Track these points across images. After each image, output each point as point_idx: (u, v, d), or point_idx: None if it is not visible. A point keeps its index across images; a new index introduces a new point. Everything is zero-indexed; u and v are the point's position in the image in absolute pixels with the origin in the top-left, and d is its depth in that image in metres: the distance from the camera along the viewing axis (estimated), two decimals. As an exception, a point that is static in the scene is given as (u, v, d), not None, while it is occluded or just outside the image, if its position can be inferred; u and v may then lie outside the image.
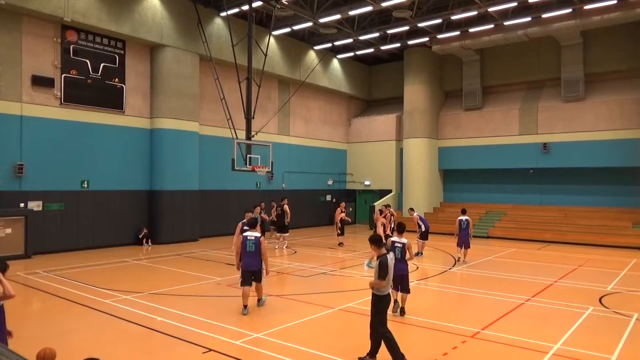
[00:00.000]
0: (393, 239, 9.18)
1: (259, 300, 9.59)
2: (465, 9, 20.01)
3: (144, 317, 8.73)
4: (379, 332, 6.44)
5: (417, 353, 7.27)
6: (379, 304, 6.51)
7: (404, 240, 9.02)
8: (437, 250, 18.45)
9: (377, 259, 6.58)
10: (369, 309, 9.51)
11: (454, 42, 23.85)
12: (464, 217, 15.35)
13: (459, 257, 15.48)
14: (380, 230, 14.64)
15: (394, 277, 8.24)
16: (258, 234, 9.45)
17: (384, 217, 15.66)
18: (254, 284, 9.27)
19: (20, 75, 15.85)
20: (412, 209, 18.15)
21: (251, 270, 9.22)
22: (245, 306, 9.04)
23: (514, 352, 7.15)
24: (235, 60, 19.35)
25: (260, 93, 20.06)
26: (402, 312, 8.98)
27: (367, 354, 6.59)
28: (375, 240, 6.71)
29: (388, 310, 6.61)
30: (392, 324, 8.59)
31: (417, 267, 14.45)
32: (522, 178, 24.99)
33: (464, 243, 15.25)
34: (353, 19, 22.46)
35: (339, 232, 19.43)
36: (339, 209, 19.66)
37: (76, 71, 17.21)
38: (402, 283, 8.95)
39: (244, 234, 9.54)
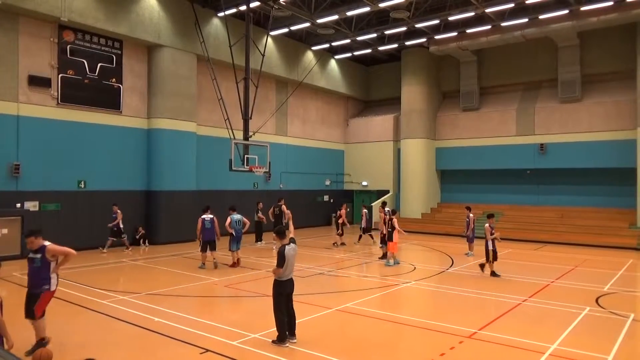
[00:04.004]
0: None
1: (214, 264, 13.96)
2: (462, 9, 20.05)
3: (141, 318, 8.71)
4: (274, 312, 7.41)
5: (414, 353, 7.28)
6: (276, 288, 7.50)
7: (486, 224, 13.19)
8: (433, 251, 18.49)
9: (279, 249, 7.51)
10: (367, 309, 9.59)
11: (451, 43, 23.89)
12: (472, 215, 17.35)
13: (469, 252, 17.07)
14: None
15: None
16: (212, 216, 14.03)
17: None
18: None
19: (17, 75, 15.79)
20: (382, 204, 18.98)
21: (209, 240, 13.90)
22: (203, 263, 14.05)
23: (510, 353, 7.17)
24: (233, 60, 19.32)
25: (257, 93, 20.04)
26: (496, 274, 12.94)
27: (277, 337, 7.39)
28: (278, 232, 7.65)
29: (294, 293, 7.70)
30: (393, 325, 8.63)
31: (415, 268, 14.48)
32: (519, 179, 25.06)
33: (472, 238, 17.19)
34: (351, 19, 22.47)
35: (341, 232, 19.74)
36: (343, 210, 20.09)
37: (73, 71, 17.17)
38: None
39: (203, 216, 14.02)
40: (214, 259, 14.10)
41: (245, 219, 14.81)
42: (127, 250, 17.36)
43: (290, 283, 7.57)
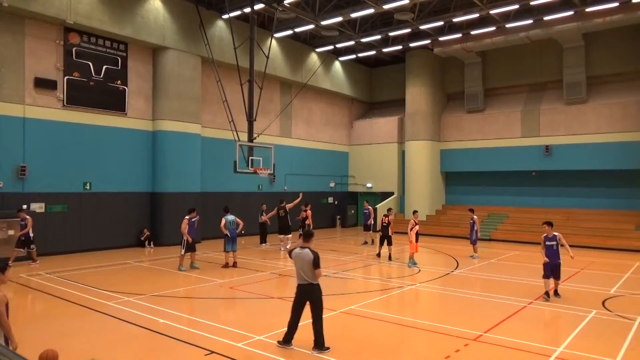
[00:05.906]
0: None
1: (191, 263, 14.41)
2: (466, 11, 20.01)
3: (146, 319, 8.72)
4: None
5: (419, 356, 7.26)
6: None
7: (555, 233, 10.88)
8: (438, 253, 18.43)
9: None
10: (372, 311, 9.56)
11: (455, 45, 23.86)
12: (476, 217, 17.29)
13: (474, 255, 16.96)
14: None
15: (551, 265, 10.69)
16: (187, 217, 14.15)
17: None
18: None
19: (23, 77, 15.89)
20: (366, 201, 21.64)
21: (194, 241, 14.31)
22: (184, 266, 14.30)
23: (516, 355, 7.12)
24: (237, 62, 19.38)
25: (262, 95, 20.08)
26: (557, 294, 10.79)
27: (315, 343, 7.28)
28: (304, 234, 7.63)
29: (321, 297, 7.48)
30: (398, 327, 8.60)
31: (420, 270, 14.43)
32: (524, 180, 24.94)
33: (475, 240, 17.04)
34: (355, 21, 22.48)
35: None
36: (309, 210, 19.53)
37: (79, 73, 17.26)
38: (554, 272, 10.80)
39: (188, 216, 14.18)
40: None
41: (239, 220, 14.87)
42: (35, 264, 14.49)
43: (298, 290, 7.37)
